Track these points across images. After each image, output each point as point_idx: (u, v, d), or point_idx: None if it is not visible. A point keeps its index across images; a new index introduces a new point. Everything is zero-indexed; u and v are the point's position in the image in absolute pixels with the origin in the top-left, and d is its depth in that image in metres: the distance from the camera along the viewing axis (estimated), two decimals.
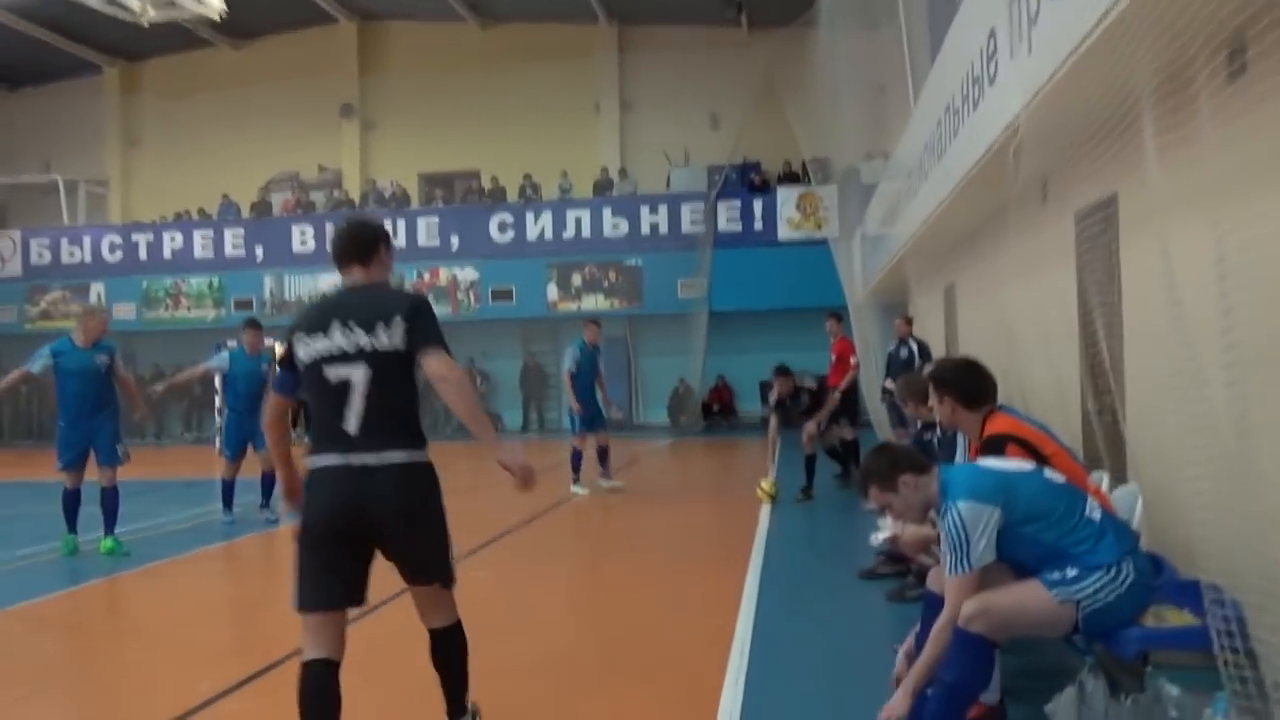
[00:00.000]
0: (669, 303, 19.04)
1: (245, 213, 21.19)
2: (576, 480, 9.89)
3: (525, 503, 9.42)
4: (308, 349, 2.97)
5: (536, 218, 19.88)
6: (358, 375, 2.90)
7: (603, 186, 20.39)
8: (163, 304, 20.83)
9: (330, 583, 2.89)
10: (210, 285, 20.47)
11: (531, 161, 20.44)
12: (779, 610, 5.04)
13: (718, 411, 19.59)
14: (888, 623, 4.65)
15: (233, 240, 20.73)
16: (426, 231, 20.12)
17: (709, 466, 13.77)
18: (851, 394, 9.74)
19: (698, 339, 19.21)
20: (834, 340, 10.25)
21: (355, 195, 21.58)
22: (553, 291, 19.52)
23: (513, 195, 20.63)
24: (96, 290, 20.68)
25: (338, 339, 2.93)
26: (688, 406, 19.50)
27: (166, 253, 20.85)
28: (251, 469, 8.46)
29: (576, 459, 9.92)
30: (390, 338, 2.92)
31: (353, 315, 2.95)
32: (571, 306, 19.35)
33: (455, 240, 20.00)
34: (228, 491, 8.57)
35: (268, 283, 20.25)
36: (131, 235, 21.10)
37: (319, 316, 3.00)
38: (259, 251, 20.54)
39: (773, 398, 9.28)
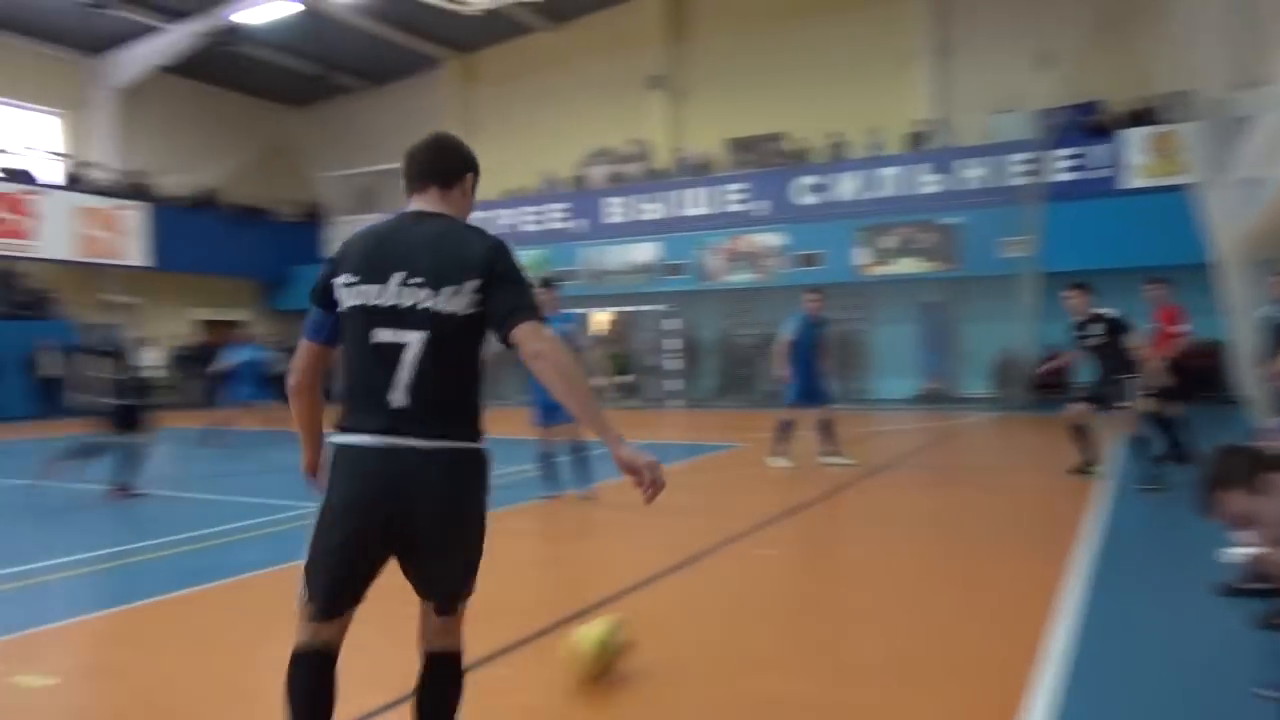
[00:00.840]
0: (991, 264, 17.44)
1: (565, 188, 22.40)
2: (779, 453, 9.47)
3: (816, 481, 9.00)
4: (355, 295, 2.37)
5: (844, 178, 19.05)
6: (414, 340, 2.31)
7: (916, 141, 19.07)
8: None
9: (344, 586, 2.39)
10: (536, 258, 21.84)
11: (839, 119, 19.61)
12: (1104, 623, 4.22)
13: (1049, 384, 17.68)
14: (1251, 657, 3.70)
15: (555, 214, 21.98)
16: (732, 198, 20.03)
17: (1033, 444, 12.42)
18: (1182, 367, 8.37)
19: (1026, 303, 17.44)
20: (1158, 307, 8.74)
21: (664, 165, 22.01)
22: (861, 255, 18.63)
23: (820, 156, 19.95)
24: None
25: (395, 293, 2.33)
26: (1013, 378, 17.82)
27: (500, 229, 22.57)
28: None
29: (785, 429, 9.47)
30: (462, 301, 2.33)
31: (419, 268, 2.34)
32: (882, 270, 18.37)
33: (761, 205, 19.72)
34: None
35: (586, 254, 21.23)
36: (470, 214, 23.02)
37: (376, 260, 2.38)
38: (578, 225, 21.61)
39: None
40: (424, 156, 2.53)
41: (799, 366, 9.37)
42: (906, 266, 18.19)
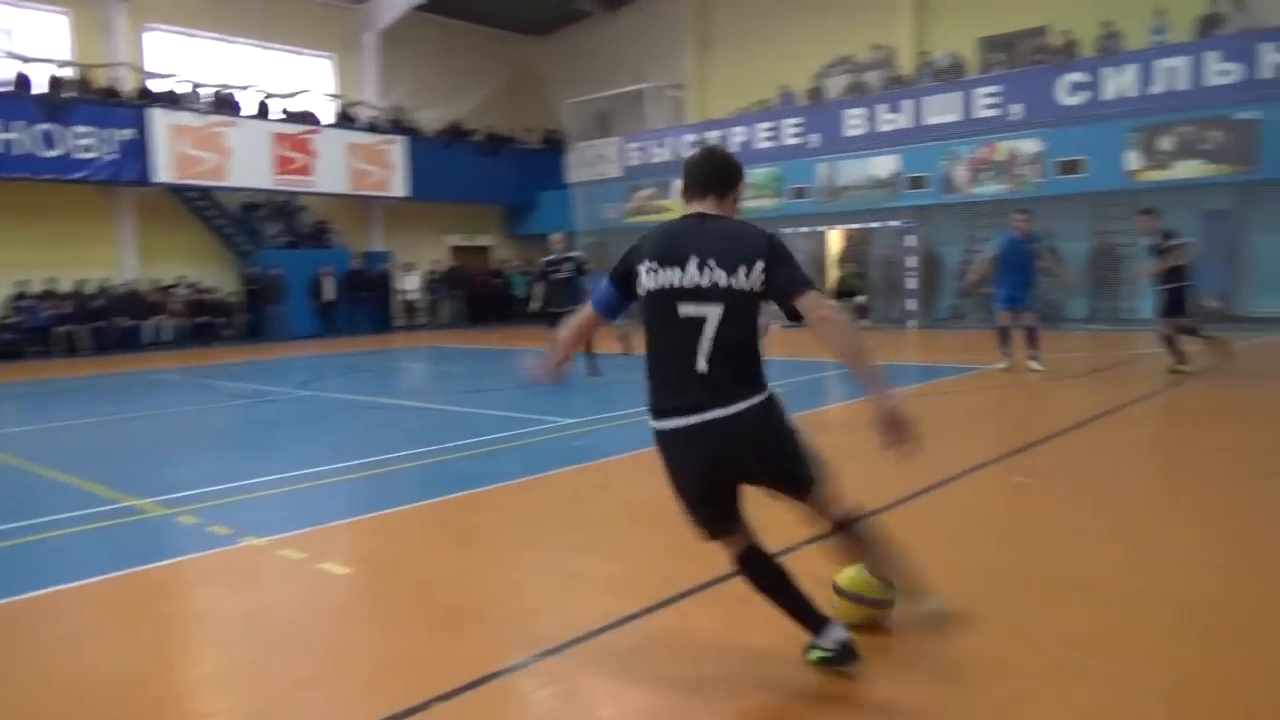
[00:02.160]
0: None
1: (802, 101, 21.70)
2: (1002, 356, 10.73)
3: (1087, 400, 8.36)
4: (657, 279, 2.86)
5: (1117, 73, 17.14)
6: (712, 314, 2.79)
7: (1206, 25, 16.77)
8: None
9: (716, 519, 3.00)
10: (771, 175, 21.43)
11: (1111, 6, 17.56)
12: None
13: None
14: None
15: (790, 130, 21.40)
16: (983, 102, 18.60)
17: None
18: None
19: None
20: None
21: (909, 71, 20.75)
22: (1133, 159, 16.80)
23: (1087, 50, 18.04)
24: (678, 186, 22.93)
25: (694, 274, 2.81)
26: None
27: (735, 147, 22.31)
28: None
29: (1000, 334, 10.75)
30: (750, 279, 2.79)
31: (712, 251, 2.82)
32: (1158, 176, 16.50)
33: (1017, 109, 18.18)
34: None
35: (821, 170, 20.59)
36: (704, 134, 22.93)
37: (673, 247, 2.87)
38: (814, 139, 20.93)
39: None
40: (703, 170, 2.97)
41: (1005, 277, 10.48)
42: (1188, 170, 16.22)
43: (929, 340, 16.20)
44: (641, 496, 5.27)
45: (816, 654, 3.03)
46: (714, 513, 2.99)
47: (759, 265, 2.78)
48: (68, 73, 19.09)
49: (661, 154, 23.55)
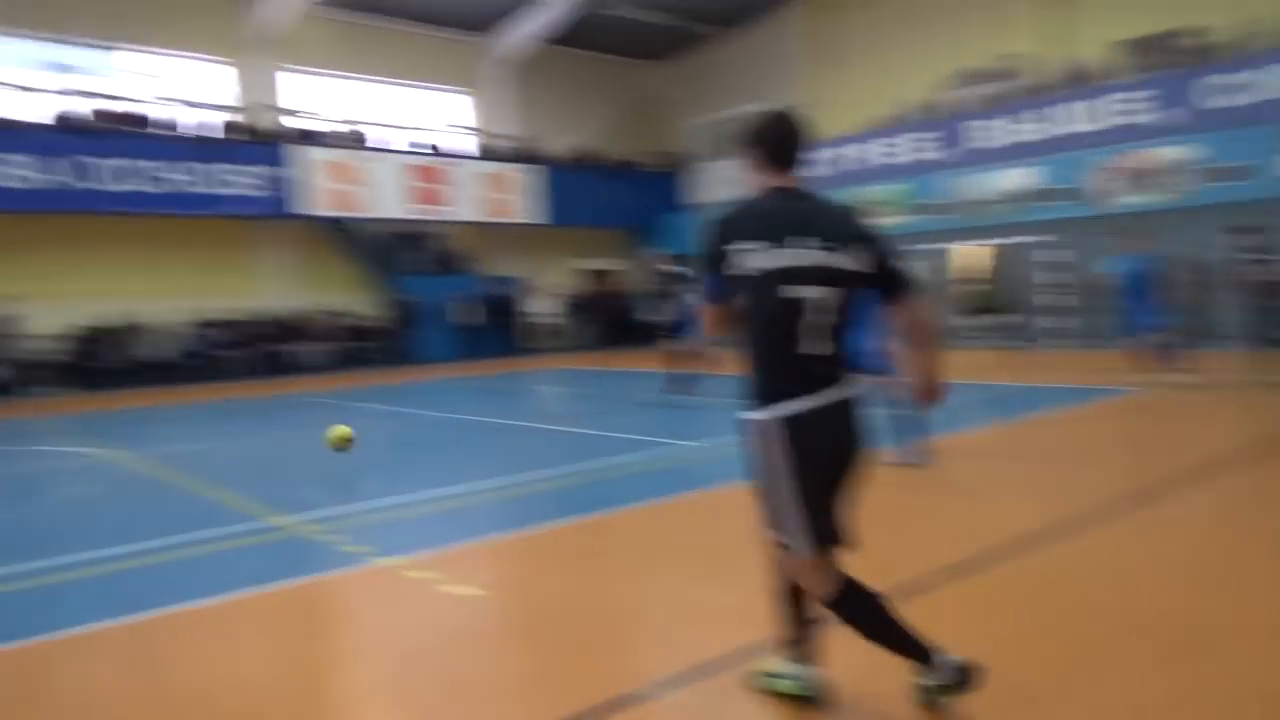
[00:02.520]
0: None
1: (923, 115, 21.10)
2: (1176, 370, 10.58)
3: (1246, 424, 7.72)
4: (757, 260, 2.67)
5: (1268, 73, 15.92)
6: (815, 296, 2.64)
7: None
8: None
9: (835, 521, 2.79)
10: (900, 191, 20.87)
11: (1255, 3, 16.40)
12: None
13: None
14: None
15: (916, 145, 20.82)
16: (1127, 107, 17.62)
17: None
18: None
19: None
20: None
21: (1038, 79, 19.89)
22: None
23: (1229, 51, 16.87)
24: None
25: (797, 253, 2.65)
26: None
27: (856, 164, 21.88)
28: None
29: (1160, 352, 10.72)
30: (851, 259, 2.67)
31: (811, 229, 2.66)
32: None
33: (1165, 114, 17.15)
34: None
35: (953, 184, 19.94)
36: (826, 150, 22.56)
37: (769, 226, 2.69)
38: (944, 152, 20.31)
39: None
40: (797, 138, 2.77)
41: (1131, 300, 10.58)
42: None
43: (1073, 359, 15.39)
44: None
45: (929, 684, 2.81)
46: (831, 514, 2.77)
47: (864, 246, 2.69)
48: (233, 117, 20.48)
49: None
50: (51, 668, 3.73)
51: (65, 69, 19.34)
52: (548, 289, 25.46)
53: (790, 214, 2.70)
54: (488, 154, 24.23)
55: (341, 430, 7.84)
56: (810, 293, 2.64)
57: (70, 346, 17.66)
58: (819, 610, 2.92)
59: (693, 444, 8.20)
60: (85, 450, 9.71)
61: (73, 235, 18.46)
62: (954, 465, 6.64)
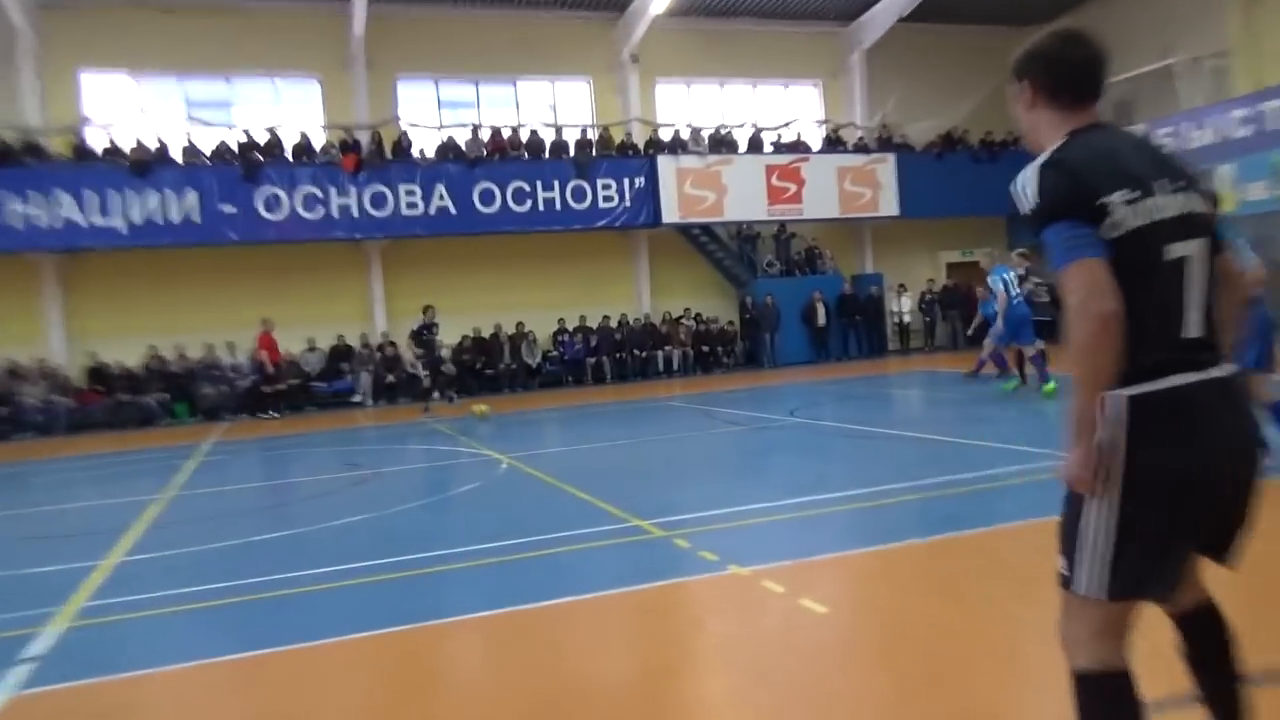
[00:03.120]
0: None
1: None
2: None
3: None
4: (1137, 212, 2.10)
5: None
6: (1196, 254, 2.14)
7: None
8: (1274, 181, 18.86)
9: (1178, 558, 2.13)
10: None
11: None
12: None
13: None
14: None
15: None
16: None
17: None
18: None
19: None
20: None
21: None
22: None
23: None
24: (1223, 173, 19.93)
25: (1168, 202, 2.13)
26: None
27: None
28: None
29: None
30: (1206, 205, 2.19)
31: (1171, 174, 2.17)
32: None
33: None
34: None
35: None
36: (1257, 105, 19.60)
37: (1132, 169, 2.14)
38: None
39: None
40: (1102, 64, 2.29)
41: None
42: None
43: None
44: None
45: None
46: (1181, 553, 2.14)
47: (1200, 186, 2.22)
48: (591, 134, 22.34)
49: (1201, 137, 20.60)
50: (450, 646, 4.34)
51: (455, 105, 22.29)
52: (912, 285, 24.71)
53: (1140, 153, 2.20)
54: (843, 147, 24.05)
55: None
56: (1186, 249, 2.13)
57: (462, 356, 20.21)
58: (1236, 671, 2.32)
59: None
60: (473, 450, 11.09)
61: (466, 253, 21.18)
62: None
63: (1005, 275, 12.38)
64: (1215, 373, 2.12)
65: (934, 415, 12.14)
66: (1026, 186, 2.21)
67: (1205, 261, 2.16)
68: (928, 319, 24.32)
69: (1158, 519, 2.07)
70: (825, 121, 25.02)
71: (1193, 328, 2.13)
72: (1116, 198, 2.10)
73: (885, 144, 24.13)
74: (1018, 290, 12.31)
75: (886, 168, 23.54)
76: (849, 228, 24.72)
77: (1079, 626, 2.16)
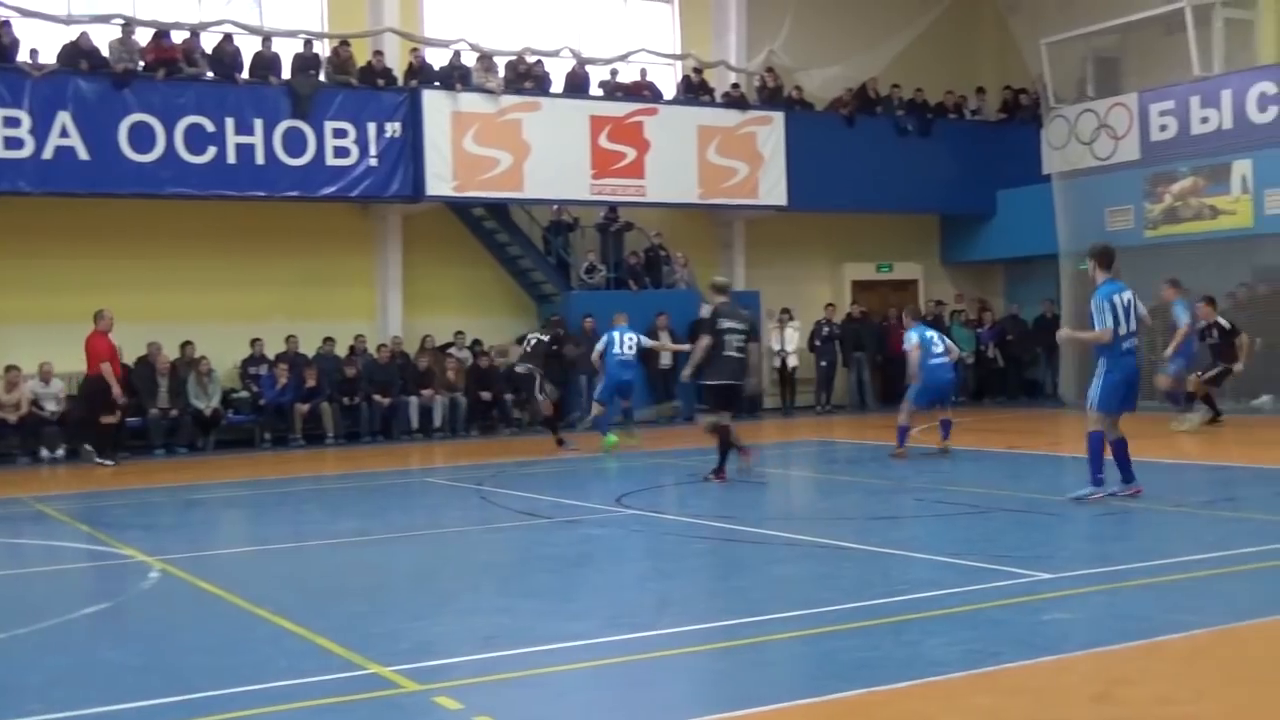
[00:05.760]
0: None
1: None
2: None
3: None
4: None
5: None
6: None
7: None
8: None
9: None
10: None
11: None
12: None
13: None
14: None
15: None
16: None
17: None
18: None
19: None
20: None
21: None
22: None
23: None
24: (1241, 171, 21.42)
25: None
26: None
27: None
28: None
29: None
30: None
31: None
32: None
33: None
34: None
35: None
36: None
37: None
38: None
39: None
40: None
41: None
42: None
43: None
44: None
45: None
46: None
47: None
48: (320, 48, 21.84)
49: (1214, 118, 22.17)
50: None
51: None
52: (799, 312, 25.19)
53: None
54: (709, 96, 24.54)
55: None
56: None
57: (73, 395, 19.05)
58: None
59: (1055, 576, 7.94)
60: (105, 548, 10.48)
61: (101, 226, 20.17)
62: None
63: (925, 334, 15.13)
64: None
65: (829, 508, 12.46)
66: None
67: None
68: (823, 363, 24.92)
69: None
70: (684, 56, 25.45)
71: None
72: None
73: (772, 96, 24.73)
74: (941, 349, 15.09)
75: (771, 132, 24.23)
76: (712, 219, 25.15)
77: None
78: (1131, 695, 5.53)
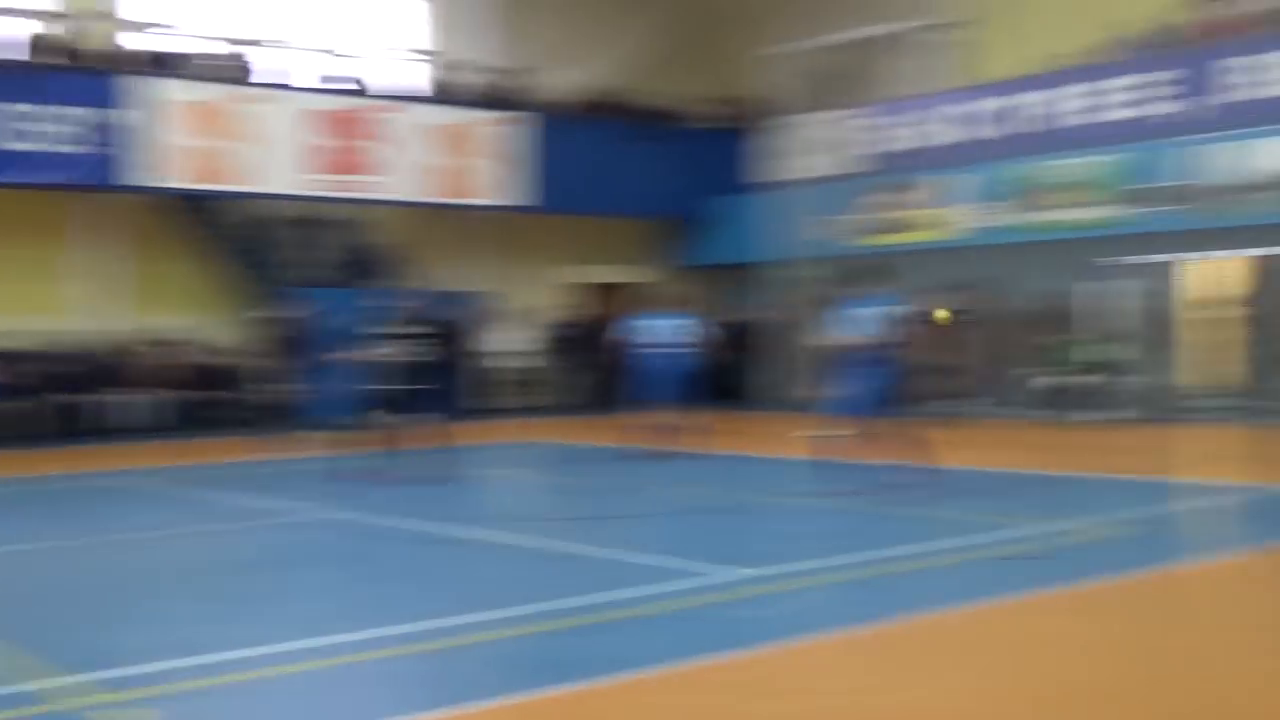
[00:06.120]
0: None
1: (1157, 44, 21.02)
2: None
3: None
4: None
5: None
6: None
7: None
8: (1028, 201, 21.65)
9: None
10: (1107, 169, 20.60)
11: None
12: None
13: None
14: None
15: (1132, 93, 20.64)
16: None
17: None
18: None
19: None
20: None
21: None
22: None
23: None
24: (939, 187, 22.52)
25: None
26: None
27: (1036, 123, 21.66)
28: None
29: None
30: None
31: None
32: None
33: None
34: None
35: (1196, 156, 19.61)
36: (1001, 97, 22.25)
37: None
38: (1181, 106, 20.09)
39: None
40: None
41: None
42: None
43: None
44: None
45: None
46: None
47: None
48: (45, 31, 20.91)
49: (930, 132, 23.21)
50: None
51: None
52: (523, 314, 25.26)
53: None
54: (446, 95, 24.51)
55: None
56: None
57: None
58: None
59: (746, 572, 8.18)
60: None
61: None
62: None
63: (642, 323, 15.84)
64: None
65: (542, 510, 12.83)
66: None
67: None
68: (551, 365, 25.13)
69: None
70: (424, 53, 25.62)
71: None
72: None
73: (508, 99, 24.93)
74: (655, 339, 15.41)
75: (511, 132, 24.39)
76: (453, 219, 25.16)
77: None
78: (827, 686, 5.77)
